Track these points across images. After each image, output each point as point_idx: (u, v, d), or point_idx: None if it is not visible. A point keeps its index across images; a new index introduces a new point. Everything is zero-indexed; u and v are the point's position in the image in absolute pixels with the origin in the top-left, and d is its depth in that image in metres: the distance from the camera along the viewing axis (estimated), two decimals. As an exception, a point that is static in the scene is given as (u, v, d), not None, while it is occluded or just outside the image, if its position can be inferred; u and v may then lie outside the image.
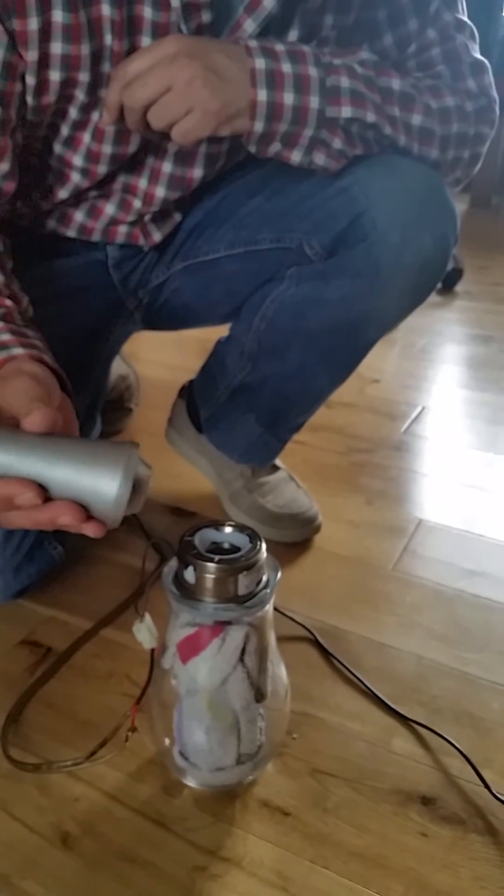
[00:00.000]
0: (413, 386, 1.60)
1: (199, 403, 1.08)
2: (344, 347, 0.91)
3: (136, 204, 0.83)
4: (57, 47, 0.68)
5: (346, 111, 0.72)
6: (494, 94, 0.82)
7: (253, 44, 0.69)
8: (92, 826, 0.65)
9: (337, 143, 0.74)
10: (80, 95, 0.72)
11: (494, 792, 0.68)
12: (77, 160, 0.78)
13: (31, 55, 0.67)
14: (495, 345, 1.84)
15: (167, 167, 0.80)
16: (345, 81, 0.71)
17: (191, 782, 0.68)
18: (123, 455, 0.52)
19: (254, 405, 1.00)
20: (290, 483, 1.10)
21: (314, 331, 0.87)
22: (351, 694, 0.80)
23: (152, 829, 0.65)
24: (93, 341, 0.98)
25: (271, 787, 0.69)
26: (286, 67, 0.69)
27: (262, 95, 0.69)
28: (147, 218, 0.86)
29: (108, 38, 0.69)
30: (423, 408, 1.50)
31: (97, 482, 0.51)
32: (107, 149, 0.76)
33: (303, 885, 0.61)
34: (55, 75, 0.69)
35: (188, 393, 1.11)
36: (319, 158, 0.75)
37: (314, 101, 0.71)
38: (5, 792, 0.68)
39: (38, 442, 0.52)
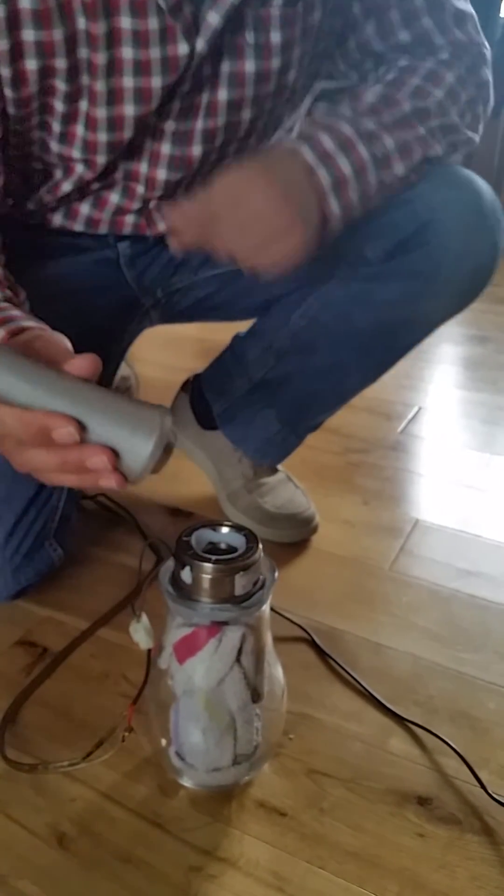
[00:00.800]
0: (409, 386, 1.60)
1: (211, 398, 1.07)
2: (384, 349, 0.92)
3: (140, 189, 0.83)
4: (29, 34, 0.66)
5: (399, 168, 0.75)
6: (481, 39, 0.82)
7: (310, 157, 0.70)
8: (88, 826, 0.65)
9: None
10: (61, 85, 0.71)
11: (490, 792, 0.68)
12: (76, 153, 0.77)
13: (2, 44, 0.66)
14: (492, 345, 1.84)
15: (166, 149, 0.79)
16: (388, 141, 0.73)
17: (187, 783, 0.68)
18: (160, 415, 0.53)
19: (275, 401, 1.00)
20: (289, 484, 1.10)
21: (357, 330, 0.87)
22: (347, 694, 0.80)
23: (149, 830, 0.65)
24: (107, 340, 0.98)
25: (268, 788, 0.69)
26: (345, 167, 0.71)
27: (333, 207, 0.71)
28: (152, 205, 0.85)
29: (81, 22, 0.67)
30: (420, 408, 1.50)
31: (134, 433, 0.52)
32: (102, 137, 0.75)
33: (299, 885, 0.61)
34: (31, 64, 0.68)
35: (193, 387, 1.11)
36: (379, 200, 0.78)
37: (373, 178, 0.73)
38: (1, 792, 0.68)
39: (81, 385, 0.52)
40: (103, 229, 0.88)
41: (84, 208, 0.85)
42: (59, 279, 0.88)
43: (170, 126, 0.77)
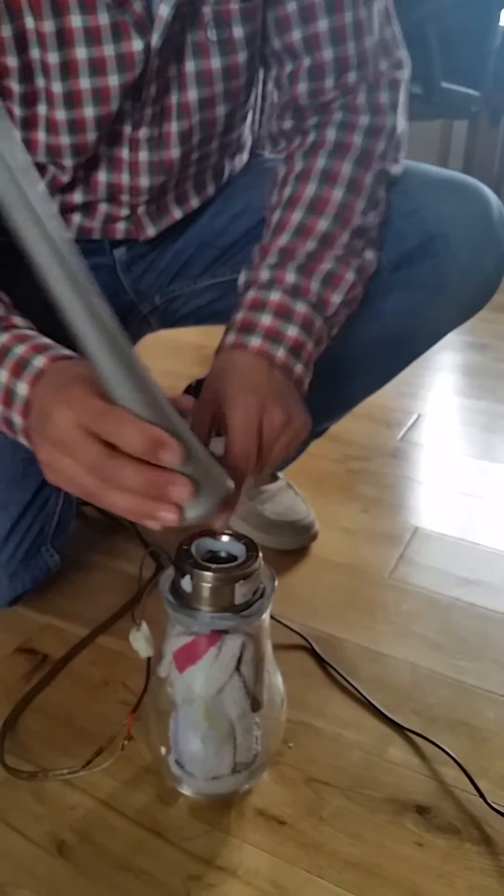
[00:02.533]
0: (409, 393, 1.60)
1: None
2: (388, 358, 0.92)
3: (125, 198, 0.83)
4: None
5: (336, 298, 0.74)
6: (381, 68, 0.79)
7: (282, 356, 0.70)
8: (87, 834, 0.65)
9: (343, 314, 0.77)
10: (16, 87, 0.70)
11: (489, 801, 0.68)
12: (41, 158, 0.77)
13: None
14: (491, 353, 1.85)
15: (144, 156, 0.79)
16: (314, 285, 0.72)
17: (186, 791, 0.68)
18: (227, 474, 0.57)
19: None
20: (289, 491, 1.10)
21: (362, 340, 0.88)
22: (346, 703, 0.80)
23: (148, 838, 0.65)
24: None
25: (267, 796, 0.69)
26: (292, 332, 0.71)
27: (298, 369, 0.71)
28: (141, 210, 0.85)
29: (29, 21, 0.67)
30: (419, 415, 1.50)
31: (212, 481, 0.54)
32: (65, 140, 0.75)
33: (298, 894, 0.61)
34: None
35: (195, 393, 1.11)
36: (334, 331, 0.77)
37: (318, 322, 0.73)
38: (1, 800, 0.68)
39: (180, 416, 0.54)
40: (96, 236, 0.88)
41: (76, 217, 0.86)
42: None
43: (144, 133, 0.77)
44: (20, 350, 0.62)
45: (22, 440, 0.63)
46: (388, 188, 0.80)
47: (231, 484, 0.56)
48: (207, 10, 0.71)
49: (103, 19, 0.68)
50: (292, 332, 0.70)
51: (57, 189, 0.80)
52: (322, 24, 0.75)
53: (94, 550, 1.04)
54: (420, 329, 0.89)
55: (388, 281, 0.84)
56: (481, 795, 0.69)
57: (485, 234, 0.81)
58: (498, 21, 2.50)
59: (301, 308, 0.71)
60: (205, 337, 1.06)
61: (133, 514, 0.54)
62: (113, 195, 0.82)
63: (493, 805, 0.68)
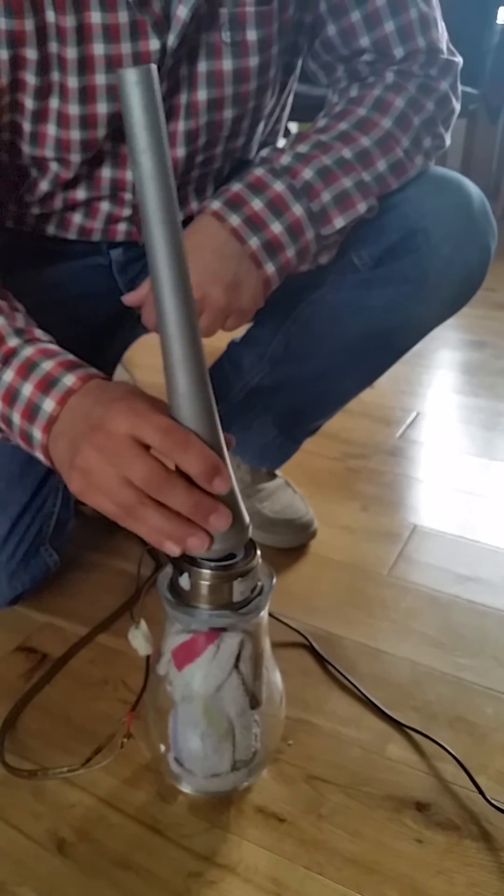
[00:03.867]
0: (408, 391, 1.60)
1: None
2: (377, 353, 0.93)
3: (128, 196, 0.83)
4: (0, 23, 0.66)
5: (339, 222, 0.76)
6: (443, 45, 0.82)
7: (236, 221, 0.72)
8: (87, 832, 0.66)
9: (335, 240, 0.79)
10: (31, 79, 0.70)
11: (489, 798, 0.68)
12: (48, 152, 0.76)
13: None
14: (489, 350, 1.84)
15: None
16: (325, 195, 0.75)
17: (186, 788, 0.69)
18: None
19: (271, 407, 1.00)
20: (287, 489, 1.10)
21: (349, 336, 0.88)
22: (346, 700, 0.80)
23: (147, 836, 0.65)
24: (99, 346, 0.98)
25: (266, 794, 0.69)
26: (276, 227, 0.73)
27: (269, 269, 0.74)
28: None
29: (50, 15, 0.67)
30: (418, 413, 1.50)
31: (241, 514, 0.57)
32: (75, 135, 0.75)
33: (297, 891, 0.61)
34: (2, 53, 0.67)
35: None
36: (324, 258, 0.80)
37: (310, 234, 0.75)
38: (1, 798, 0.68)
39: None
40: (96, 237, 0.88)
41: (77, 217, 0.85)
42: (50, 286, 0.89)
43: None
44: (48, 366, 0.62)
45: (38, 455, 0.63)
46: (434, 151, 0.82)
47: (248, 522, 0.59)
48: (224, 12, 0.72)
49: (123, 17, 0.68)
50: (276, 228, 0.72)
51: (60, 186, 0.80)
52: (388, 25, 0.77)
53: (93, 549, 1.04)
54: (406, 324, 0.89)
55: (370, 277, 0.84)
56: (480, 792, 0.69)
57: (467, 227, 0.81)
58: (496, 19, 2.50)
59: (297, 210, 0.72)
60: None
61: (163, 535, 0.55)
62: (115, 192, 0.82)
63: (493, 801, 0.68)
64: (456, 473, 1.28)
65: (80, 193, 0.81)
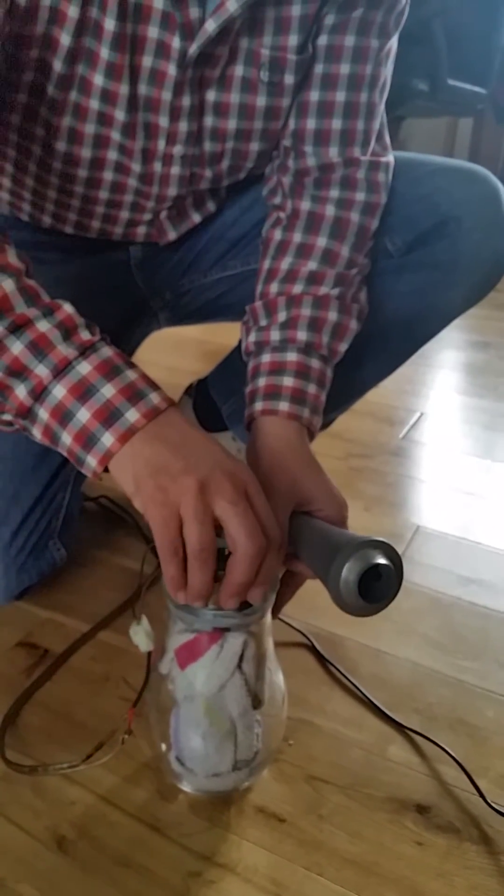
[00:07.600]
0: (411, 391, 1.60)
1: (219, 399, 1.08)
2: (399, 342, 0.93)
3: (150, 205, 0.83)
4: None
5: (343, 346, 0.80)
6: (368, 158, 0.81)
7: (307, 416, 0.77)
8: (87, 830, 0.66)
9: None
10: (64, 40, 0.68)
11: (489, 801, 0.68)
12: (94, 104, 0.73)
13: None
14: (493, 351, 1.84)
15: (175, 171, 0.80)
16: (325, 338, 0.78)
17: (186, 787, 0.69)
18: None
19: None
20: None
21: (375, 323, 0.88)
22: (347, 701, 0.80)
23: (147, 834, 0.65)
24: (114, 342, 0.98)
25: (267, 794, 0.69)
26: (311, 389, 0.77)
27: (316, 424, 0.79)
28: (163, 215, 0.86)
29: None
30: (422, 413, 1.50)
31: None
32: (94, 104, 0.73)
33: (297, 891, 0.61)
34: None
35: (197, 392, 1.11)
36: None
37: (329, 373, 0.80)
38: (1, 794, 0.68)
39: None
40: (117, 238, 0.89)
41: (95, 223, 0.86)
42: (68, 280, 0.88)
43: (178, 150, 0.78)
44: (108, 392, 0.57)
45: (88, 472, 0.59)
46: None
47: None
48: (265, 53, 0.73)
49: (158, 3, 0.68)
50: (312, 389, 0.76)
51: (84, 182, 0.79)
52: (339, 96, 0.77)
53: (96, 546, 1.04)
54: (431, 310, 0.90)
55: (401, 263, 0.85)
56: (481, 795, 0.69)
57: (496, 215, 0.83)
58: (504, 18, 2.50)
59: (316, 364, 0.77)
60: (207, 333, 1.06)
61: (180, 587, 0.58)
62: (138, 202, 0.83)
63: (493, 805, 0.68)
64: (459, 474, 1.28)
65: (103, 194, 0.81)
